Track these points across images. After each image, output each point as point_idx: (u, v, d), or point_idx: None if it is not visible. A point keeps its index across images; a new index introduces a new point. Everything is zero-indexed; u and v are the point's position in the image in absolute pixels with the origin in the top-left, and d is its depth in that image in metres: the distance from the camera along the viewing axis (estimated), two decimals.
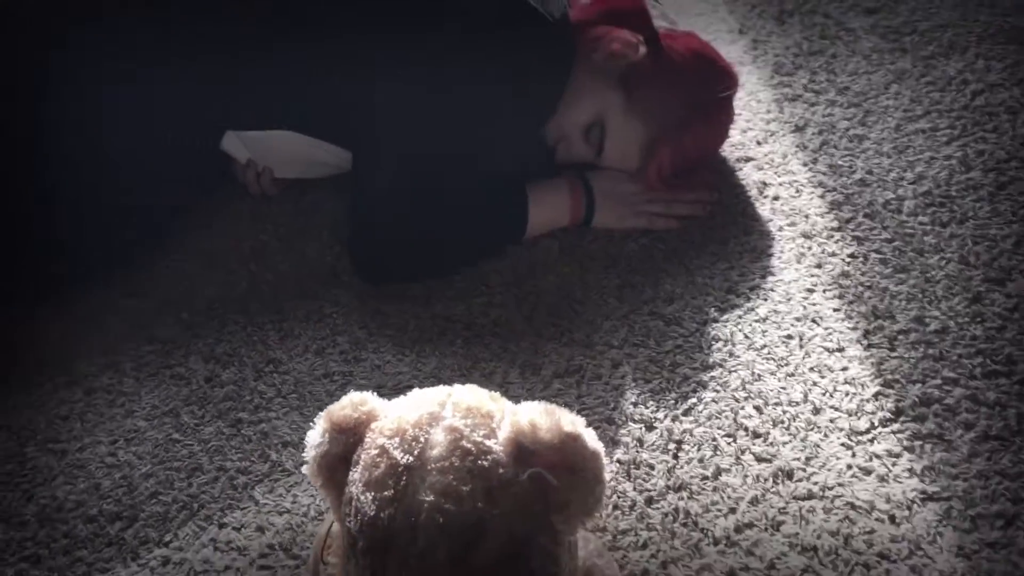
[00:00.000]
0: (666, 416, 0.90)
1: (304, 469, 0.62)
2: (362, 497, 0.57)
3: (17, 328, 1.09)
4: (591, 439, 0.55)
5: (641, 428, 0.89)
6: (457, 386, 0.62)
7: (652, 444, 0.88)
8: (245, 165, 1.21)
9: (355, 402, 0.61)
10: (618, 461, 0.86)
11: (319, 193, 1.23)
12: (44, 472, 0.92)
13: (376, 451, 0.58)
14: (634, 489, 0.84)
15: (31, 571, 0.83)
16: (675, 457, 0.86)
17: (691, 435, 0.88)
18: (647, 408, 0.91)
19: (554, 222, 1.13)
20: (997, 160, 1.11)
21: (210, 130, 1.14)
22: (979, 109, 1.18)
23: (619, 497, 0.83)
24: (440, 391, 0.61)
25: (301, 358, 1.02)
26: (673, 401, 0.91)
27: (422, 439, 0.57)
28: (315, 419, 0.63)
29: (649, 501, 0.83)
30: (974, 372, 0.89)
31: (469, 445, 0.56)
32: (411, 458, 0.56)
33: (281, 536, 0.84)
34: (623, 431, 0.89)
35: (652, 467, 0.86)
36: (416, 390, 0.63)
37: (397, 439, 0.57)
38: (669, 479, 0.84)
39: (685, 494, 0.83)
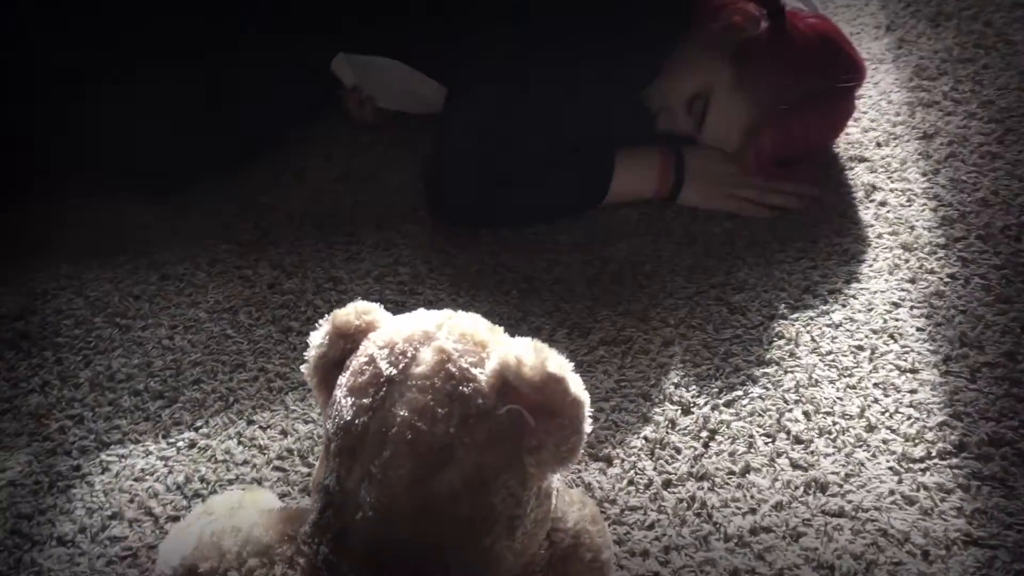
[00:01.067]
0: (706, 403, 0.85)
1: (303, 367, 0.63)
2: (343, 401, 0.56)
3: (111, 210, 1.15)
4: (575, 385, 0.53)
5: (677, 410, 0.85)
6: (459, 312, 0.61)
7: (684, 428, 0.83)
8: (350, 90, 1.24)
9: (359, 310, 0.61)
10: (645, 438, 0.83)
11: (416, 130, 1.24)
12: (106, 342, 0.97)
13: (365, 359, 0.57)
14: (654, 469, 0.80)
15: (72, 428, 0.88)
16: (705, 446, 0.82)
17: (728, 427, 0.83)
18: (688, 391, 0.87)
19: (638, 192, 1.09)
20: None
21: (323, 48, 1.17)
22: None
23: (637, 474, 0.80)
24: (441, 313, 0.60)
25: (361, 281, 1.03)
26: (717, 390, 0.86)
27: (410, 354, 0.55)
28: (321, 321, 0.63)
29: (667, 484, 0.79)
30: None
31: (454, 369, 0.54)
32: (395, 371, 0.55)
33: (301, 443, 0.85)
34: (657, 409, 0.85)
35: (679, 451, 0.82)
36: (421, 310, 0.62)
37: (386, 350, 0.56)
38: (693, 466, 0.80)
39: (707, 484, 0.79)
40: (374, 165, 1.21)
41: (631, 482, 0.79)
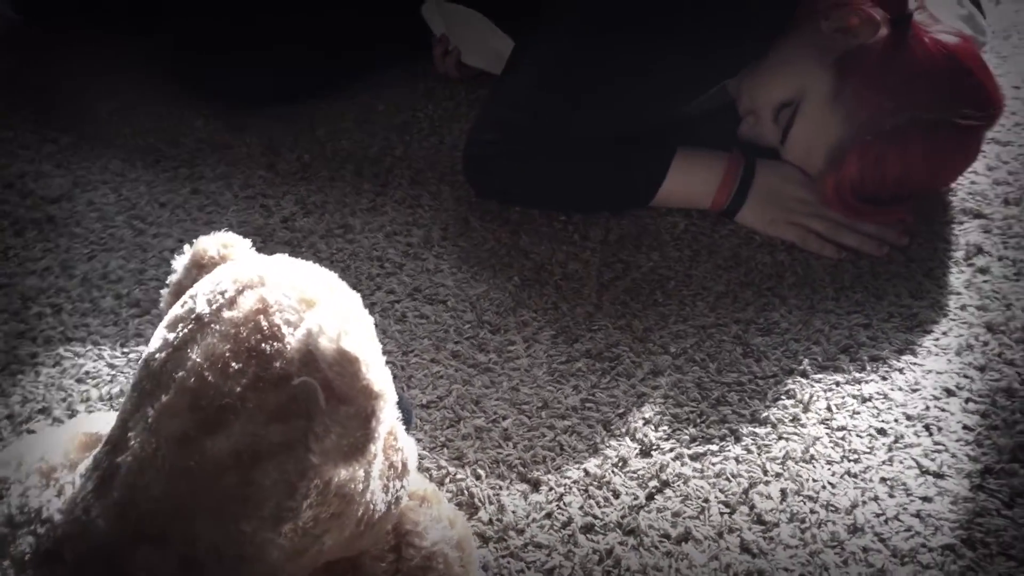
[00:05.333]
0: (671, 450, 0.73)
1: (163, 291, 0.58)
2: (157, 329, 0.51)
3: (177, 118, 1.17)
4: (375, 372, 0.44)
5: (635, 449, 0.73)
6: (322, 268, 0.53)
7: (634, 471, 0.71)
8: (438, 39, 1.18)
9: (221, 241, 0.55)
10: (585, 471, 0.72)
11: None
12: (115, 241, 0.98)
13: (191, 292, 0.51)
14: (580, 508, 0.69)
15: (48, 317, 0.89)
16: (649, 498, 0.69)
17: (684, 483, 0.70)
18: (656, 431, 0.74)
19: (693, 200, 0.95)
20: None
21: None
22: None
23: (559, 508, 0.69)
24: (292, 262, 0.53)
25: (371, 234, 0.97)
26: (689, 438, 0.73)
27: (229, 296, 0.49)
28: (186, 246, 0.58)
29: (587, 528, 0.68)
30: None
31: (265, 323, 0.47)
32: (208, 311, 0.49)
33: None
34: (612, 443, 0.73)
35: (616, 495, 0.70)
36: (285, 255, 0.55)
37: (211, 286, 0.50)
38: (625, 517, 0.68)
39: (632, 542, 0.66)
40: (438, 120, 1.14)
41: (549, 515, 0.69)
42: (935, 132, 0.85)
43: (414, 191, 1.03)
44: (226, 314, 0.48)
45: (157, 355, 0.49)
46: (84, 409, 0.79)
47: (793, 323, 0.83)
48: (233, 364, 0.46)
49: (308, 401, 0.45)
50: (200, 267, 0.54)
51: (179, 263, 0.56)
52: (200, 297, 0.50)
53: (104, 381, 0.82)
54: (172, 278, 0.56)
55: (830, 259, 0.89)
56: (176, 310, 0.51)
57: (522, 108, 0.94)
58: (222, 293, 0.49)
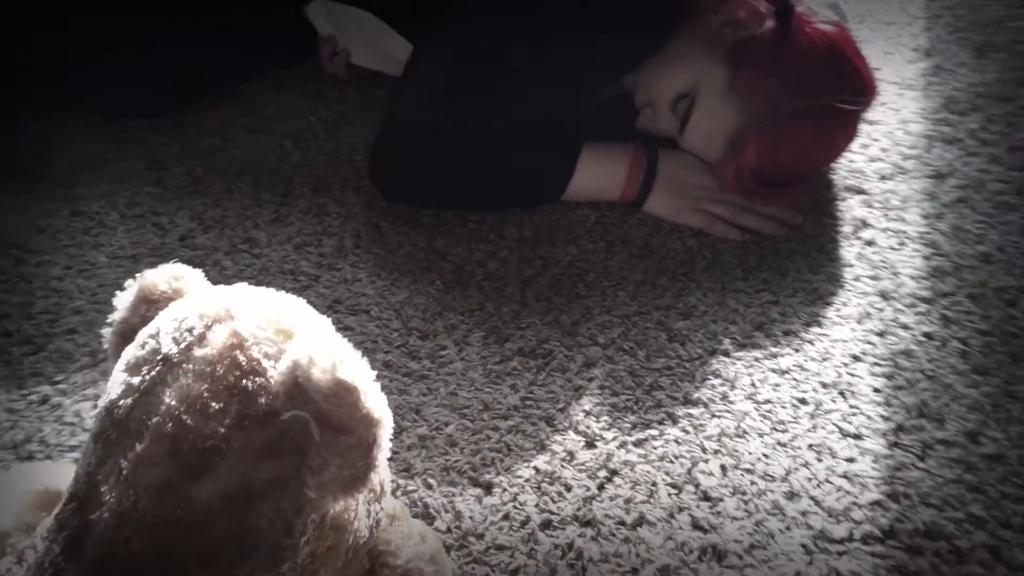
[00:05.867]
0: (614, 438, 0.75)
1: (103, 331, 0.54)
2: (115, 375, 0.48)
3: (44, 136, 1.08)
4: (373, 399, 0.43)
5: (580, 442, 0.75)
6: (282, 293, 0.51)
7: (582, 464, 0.73)
8: (324, 39, 1.15)
9: (171, 273, 0.52)
10: (535, 469, 0.73)
11: (387, 92, 1.14)
12: None
13: (151, 331, 0.48)
14: (536, 505, 0.70)
15: None
16: (600, 488, 0.71)
17: (631, 469, 0.73)
18: (598, 422, 0.76)
19: (602, 192, 0.98)
20: None
21: None
22: None
23: (515, 508, 0.70)
24: (256, 291, 0.51)
25: (279, 247, 0.94)
26: (630, 425, 0.76)
27: (197, 332, 0.46)
28: (129, 281, 0.54)
29: (547, 524, 0.69)
30: (1011, 520, 0.67)
31: (243, 358, 0.45)
32: (175, 349, 0.46)
33: None
34: (558, 438, 0.75)
35: (569, 489, 0.71)
36: (243, 284, 0.53)
37: (175, 323, 0.47)
38: (580, 509, 0.70)
39: (590, 532, 0.68)
40: (332, 124, 1.11)
41: (507, 516, 0.69)
42: (822, 116, 0.91)
43: (318, 199, 1.00)
44: (198, 352, 0.46)
45: (121, 402, 0.46)
46: None
47: (710, 305, 0.87)
48: (213, 404, 0.44)
49: (300, 435, 0.44)
50: (149, 303, 0.51)
51: (123, 300, 0.53)
52: (163, 336, 0.47)
53: (4, 429, 0.75)
54: (116, 316, 0.53)
55: (735, 242, 0.94)
56: (134, 351, 0.48)
57: (430, 108, 0.93)
58: (189, 330, 0.47)
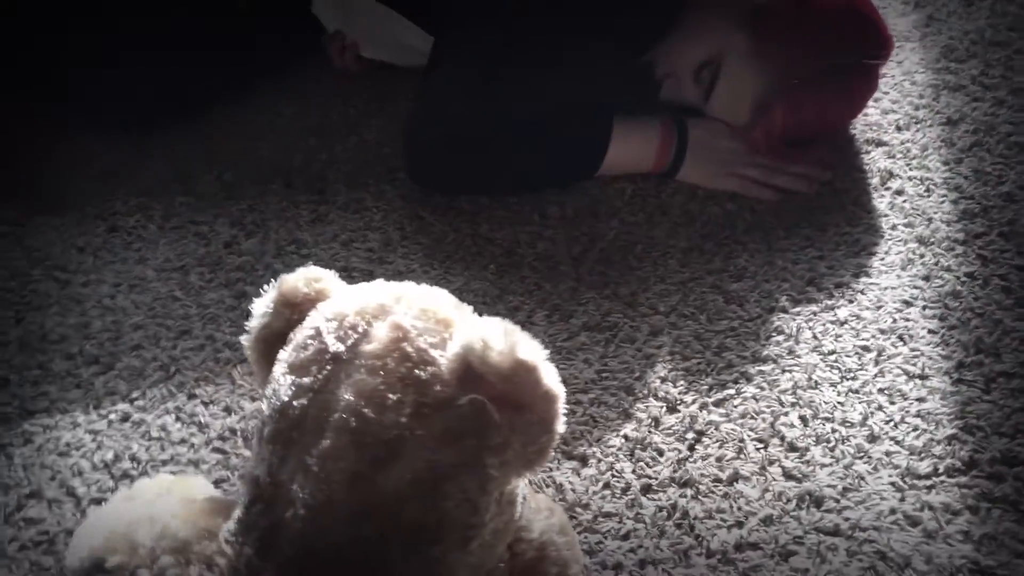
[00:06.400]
0: (694, 401, 0.77)
1: (243, 339, 0.55)
2: (281, 379, 0.48)
3: (67, 152, 1.06)
4: (549, 376, 0.45)
5: (662, 407, 0.77)
6: (423, 285, 0.52)
7: (669, 428, 0.76)
8: (332, 35, 1.14)
9: (309, 276, 0.53)
10: (625, 437, 0.75)
11: (402, 83, 1.15)
12: (41, 298, 0.89)
13: (310, 332, 0.49)
14: (633, 472, 0.72)
15: None
16: (691, 449, 0.74)
17: (716, 429, 0.75)
18: (675, 387, 0.79)
19: (635, 164, 1.00)
20: None
21: None
22: None
23: (614, 476, 0.72)
24: (402, 286, 0.52)
25: (327, 245, 0.94)
26: (707, 387, 0.79)
27: (361, 329, 0.47)
28: (267, 287, 0.55)
29: (646, 489, 0.71)
30: None
31: (411, 349, 0.46)
32: (342, 347, 0.47)
33: (246, 423, 0.77)
34: (640, 405, 0.77)
35: (661, 453, 0.74)
36: (380, 280, 0.54)
37: (335, 323, 0.48)
38: (676, 471, 0.72)
39: (690, 492, 0.71)
40: (353, 119, 1.11)
41: (607, 485, 0.72)
42: (845, 73, 0.94)
43: (355, 195, 1.00)
44: (366, 348, 0.47)
45: (295, 402, 0.47)
46: (80, 484, 0.72)
47: (759, 266, 0.90)
48: (390, 396, 0.45)
49: (478, 418, 0.45)
50: (292, 307, 0.52)
51: (260, 306, 0.53)
52: (327, 336, 0.48)
53: (91, 450, 0.75)
54: (256, 323, 0.54)
55: (770, 202, 0.97)
56: (296, 354, 0.48)
57: (464, 98, 0.94)
58: (352, 328, 0.48)
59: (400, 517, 0.45)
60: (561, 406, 0.45)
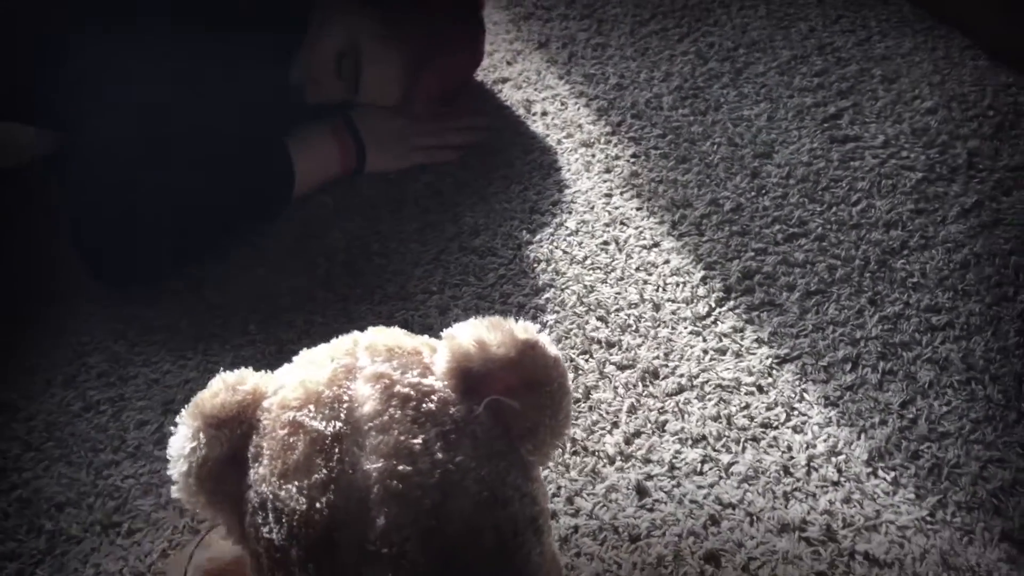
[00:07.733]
0: None
1: (174, 491, 0.45)
2: (281, 493, 0.42)
3: None
4: (549, 345, 0.46)
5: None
6: (365, 332, 0.49)
7: None
8: None
9: (230, 383, 0.46)
10: None
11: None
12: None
13: (286, 431, 0.43)
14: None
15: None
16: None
17: None
18: None
19: (324, 176, 0.98)
20: (727, 50, 1.16)
21: None
22: (697, 6, 1.24)
23: None
24: (342, 340, 0.48)
25: (44, 395, 0.79)
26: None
27: (345, 397, 0.43)
28: (174, 421, 0.46)
29: None
30: (777, 239, 0.92)
31: (406, 390, 0.44)
32: (338, 424, 0.43)
33: None
34: None
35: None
36: (305, 350, 0.49)
37: (311, 407, 0.43)
38: None
39: None
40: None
41: None
42: (463, 21, 1.03)
43: (50, 323, 0.84)
44: (362, 411, 0.43)
45: (317, 504, 0.42)
46: None
47: (485, 216, 0.95)
48: (414, 442, 0.43)
49: (498, 417, 0.46)
50: (227, 423, 0.46)
51: (180, 442, 0.45)
52: (311, 424, 0.43)
53: None
54: (184, 465, 0.46)
55: (456, 160, 1.03)
56: (286, 459, 0.43)
57: (125, 168, 0.83)
58: (335, 401, 0.44)
59: (481, 548, 0.43)
60: (565, 365, 0.47)
